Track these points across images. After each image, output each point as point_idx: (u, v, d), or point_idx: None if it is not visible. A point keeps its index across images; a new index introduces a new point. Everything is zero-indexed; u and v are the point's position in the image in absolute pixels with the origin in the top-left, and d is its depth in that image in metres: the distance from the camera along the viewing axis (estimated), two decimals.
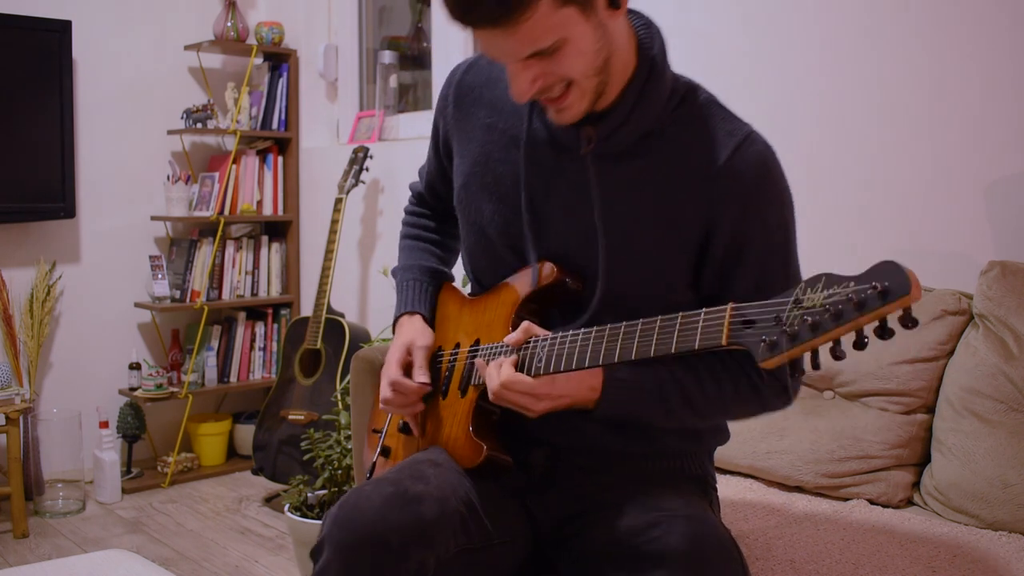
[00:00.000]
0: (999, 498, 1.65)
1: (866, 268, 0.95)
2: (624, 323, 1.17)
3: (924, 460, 1.84)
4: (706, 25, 2.51)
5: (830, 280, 0.96)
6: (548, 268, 1.33)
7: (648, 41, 1.29)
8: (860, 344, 0.94)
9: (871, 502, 1.80)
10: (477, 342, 1.42)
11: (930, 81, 2.09)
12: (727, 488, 1.86)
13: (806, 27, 2.32)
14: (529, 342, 1.29)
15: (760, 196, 1.28)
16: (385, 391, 1.45)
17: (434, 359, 1.49)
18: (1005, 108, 1.98)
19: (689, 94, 1.32)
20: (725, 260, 1.29)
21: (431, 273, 1.58)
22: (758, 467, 1.94)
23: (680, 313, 1.11)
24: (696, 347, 1.07)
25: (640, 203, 1.30)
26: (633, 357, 1.14)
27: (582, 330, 1.22)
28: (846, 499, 1.82)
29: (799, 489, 1.89)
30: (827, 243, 2.26)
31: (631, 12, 1.32)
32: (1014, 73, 1.97)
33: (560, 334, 1.24)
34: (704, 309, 1.08)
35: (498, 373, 1.26)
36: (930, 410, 1.84)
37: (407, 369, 1.45)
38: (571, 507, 1.36)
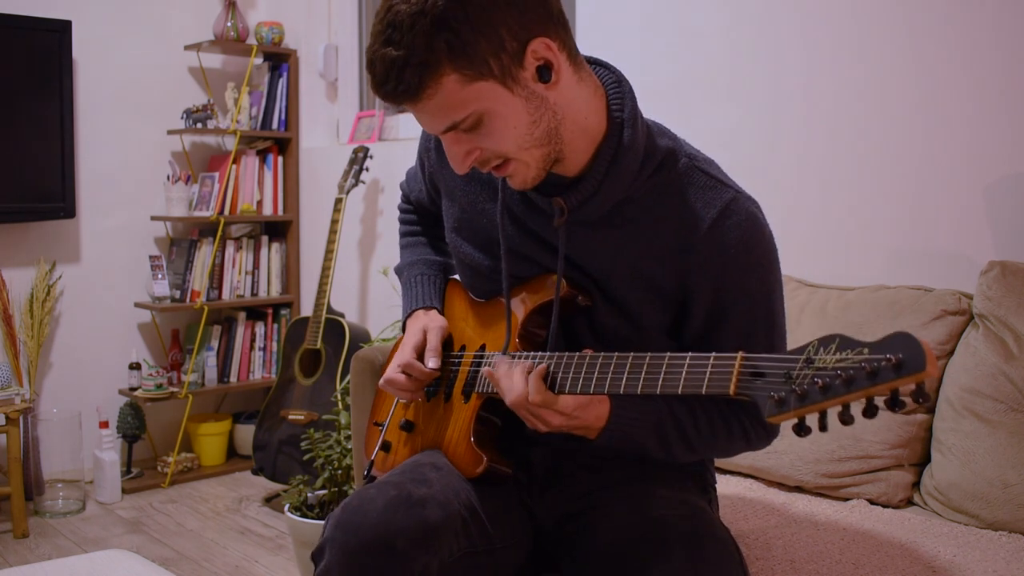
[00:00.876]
0: (999, 498, 1.65)
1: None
2: (631, 355, 1.14)
3: (924, 460, 1.84)
4: (701, 24, 2.51)
5: (844, 342, 0.94)
6: (561, 284, 1.30)
7: (618, 103, 1.24)
8: (870, 412, 0.91)
9: (871, 502, 1.80)
10: (483, 348, 1.41)
11: (930, 80, 2.09)
12: (727, 488, 1.86)
13: (805, 27, 2.32)
14: (530, 357, 1.27)
15: (740, 266, 1.24)
16: (392, 371, 1.42)
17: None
18: (1005, 108, 1.98)
19: (668, 159, 1.27)
20: (706, 324, 1.27)
21: (438, 266, 1.59)
22: (758, 467, 1.94)
23: (689, 354, 1.08)
24: (703, 392, 1.05)
25: (616, 267, 1.28)
26: (638, 392, 1.12)
27: (588, 354, 1.19)
28: (846, 499, 1.82)
29: (799, 489, 1.89)
30: (826, 243, 2.26)
31: (600, 65, 1.29)
32: (1014, 72, 1.97)
33: (564, 355, 1.22)
34: (714, 354, 1.06)
35: (525, 384, 1.21)
36: (930, 410, 1.84)
37: (421, 354, 1.44)
38: (572, 506, 1.36)
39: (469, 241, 1.42)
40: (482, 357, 1.39)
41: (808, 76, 2.32)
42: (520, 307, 1.35)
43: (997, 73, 1.99)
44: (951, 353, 1.83)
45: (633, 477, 1.36)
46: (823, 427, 0.95)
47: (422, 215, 1.65)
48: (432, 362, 1.41)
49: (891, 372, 0.88)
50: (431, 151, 1.47)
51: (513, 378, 1.22)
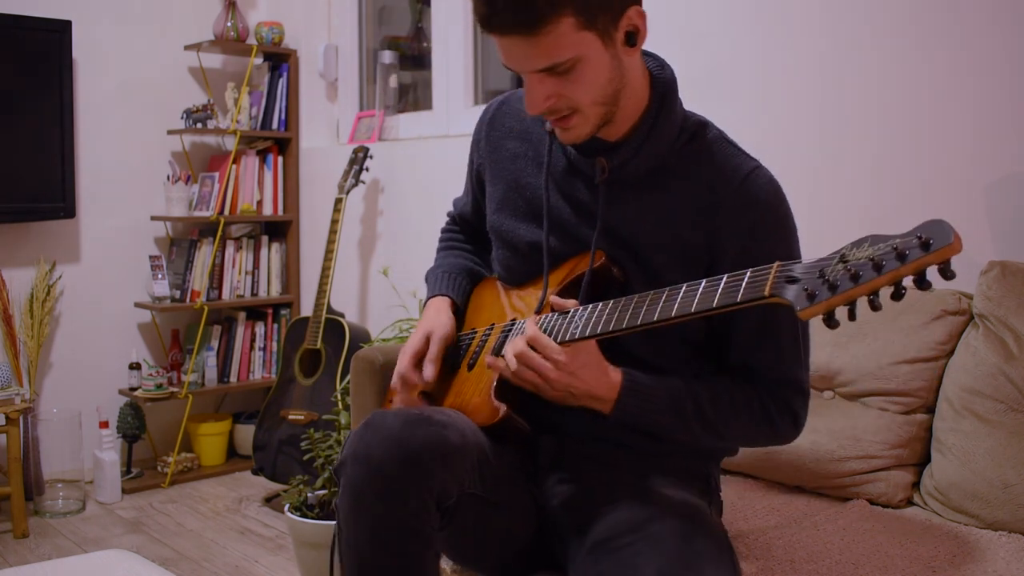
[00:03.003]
0: (999, 498, 1.65)
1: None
2: (666, 288, 1.19)
3: (924, 460, 1.84)
4: (700, 24, 2.51)
5: (875, 239, 1.00)
6: (596, 254, 1.36)
7: (661, 80, 1.35)
8: (898, 295, 0.96)
9: (871, 502, 1.80)
10: (513, 321, 1.44)
11: (930, 80, 2.09)
12: (727, 488, 1.86)
13: (805, 26, 2.32)
14: (563, 315, 1.30)
15: (766, 224, 1.32)
16: (394, 379, 1.50)
17: (464, 338, 1.52)
18: (1005, 108, 1.98)
19: (699, 131, 1.37)
20: None
21: (466, 270, 1.63)
22: (758, 467, 1.94)
23: (726, 274, 1.13)
24: (739, 299, 1.09)
25: (647, 229, 1.34)
26: (673, 314, 1.15)
27: (623, 298, 1.23)
28: (846, 499, 1.82)
29: (799, 489, 1.89)
30: (826, 243, 2.26)
31: (646, 53, 1.38)
32: (1014, 72, 1.97)
33: (599, 303, 1.26)
34: (750, 268, 1.11)
35: (522, 338, 1.28)
36: (930, 410, 1.84)
37: (421, 359, 1.48)
38: (574, 499, 1.37)
39: (512, 216, 1.47)
40: (512, 326, 1.42)
41: (808, 76, 2.31)
42: (555, 280, 1.40)
43: (998, 72, 1.99)
44: (951, 353, 1.83)
45: (636, 473, 1.37)
46: (852, 316, 1.00)
47: (464, 231, 1.72)
48: (428, 370, 1.45)
49: (919, 250, 0.95)
50: (481, 140, 1.54)
51: (514, 341, 1.29)
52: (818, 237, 2.27)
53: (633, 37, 1.26)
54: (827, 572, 1.45)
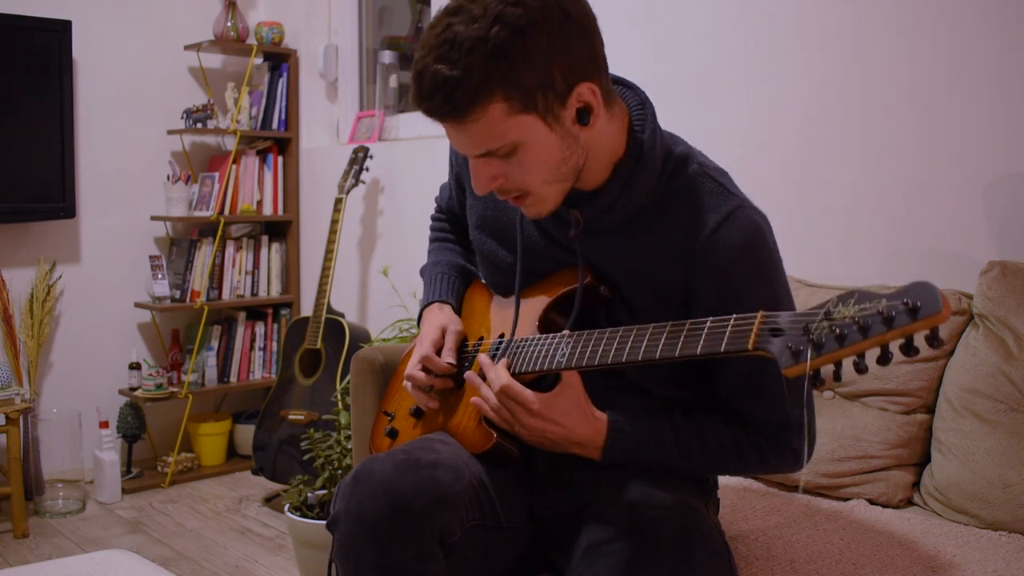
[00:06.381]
0: (999, 498, 1.65)
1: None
2: (651, 324, 1.17)
3: (924, 460, 1.84)
4: (701, 24, 2.51)
5: (862, 296, 0.96)
6: (583, 272, 1.33)
7: (640, 125, 1.28)
8: (884, 359, 0.93)
9: (871, 502, 1.80)
10: (501, 336, 1.43)
11: (930, 80, 2.09)
12: (727, 488, 1.86)
13: (804, 27, 2.32)
14: (550, 338, 1.29)
15: (742, 271, 1.26)
16: (412, 367, 1.45)
17: (459, 351, 1.50)
18: (1005, 107, 1.98)
19: (680, 165, 1.31)
20: None
21: (459, 269, 1.62)
22: None
23: (710, 318, 1.11)
24: (722, 350, 1.07)
25: (628, 269, 1.31)
26: (657, 357, 1.13)
27: (608, 329, 1.22)
28: (846, 499, 1.82)
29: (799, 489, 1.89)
30: (826, 243, 2.26)
31: (625, 86, 1.32)
32: (1014, 72, 1.97)
33: (584, 332, 1.25)
34: (734, 315, 1.08)
35: (498, 373, 1.27)
36: (930, 410, 1.84)
37: (439, 351, 1.47)
38: (570, 505, 1.36)
39: (492, 238, 1.45)
40: (500, 344, 1.41)
41: (808, 76, 2.31)
42: (541, 298, 1.38)
43: (998, 72, 1.99)
44: (951, 353, 1.83)
45: (632, 478, 1.36)
46: (837, 377, 0.97)
47: (452, 222, 1.69)
48: (449, 356, 1.44)
49: (906, 316, 0.91)
50: (459, 153, 1.50)
51: (492, 371, 1.28)
52: (816, 238, 2.27)
53: (585, 115, 1.19)
54: (827, 572, 1.44)
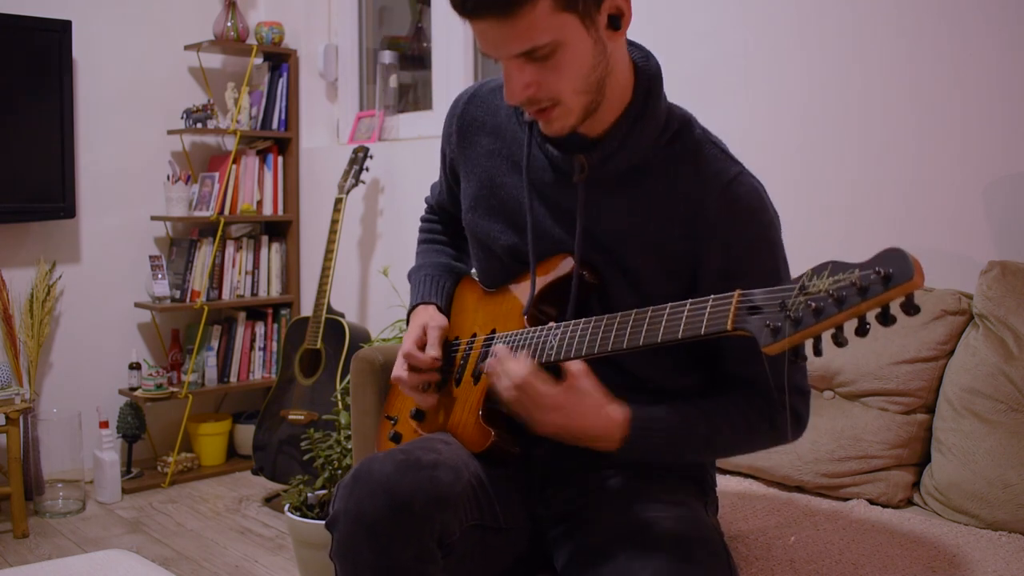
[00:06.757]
0: (999, 498, 1.65)
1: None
2: (634, 311, 1.18)
3: (924, 460, 1.84)
4: (701, 24, 2.51)
5: (836, 267, 0.97)
6: (566, 261, 1.33)
7: (646, 72, 1.30)
8: (862, 331, 0.94)
9: (871, 502, 1.80)
10: (493, 331, 1.43)
11: (930, 80, 2.09)
12: (727, 488, 1.86)
13: (804, 26, 2.32)
14: (539, 331, 1.29)
15: (749, 232, 1.27)
16: (398, 368, 1.45)
17: (450, 347, 1.50)
18: (1005, 107, 1.98)
19: (683, 129, 1.32)
20: (714, 289, 1.28)
21: (446, 268, 1.61)
22: (758, 467, 1.94)
23: (689, 300, 1.12)
24: (703, 332, 1.08)
25: (630, 233, 1.31)
26: (640, 344, 1.14)
27: (593, 318, 1.22)
28: (846, 499, 1.82)
29: (799, 489, 1.89)
30: (826, 243, 2.26)
31: (631, 44, 1.33)
32: (1014, 72, 1.97)
33: (571, 322, 1.25)
34: (712, 296, 1.09)
35: (515, 367, 1.25)
36: (930, 410, 1.84)
37: (422, 348, 1.46)
38: (569, 505, 1.36)
39: (487, 216, 1.44)
40: (492, 340, 1.40)
41: (808, 76, 2.31)
42: (529, 288, 1.37)
43: (998, 72, 1.99)
44: (951, 353, 1.83)
45: (632, 479, 1.36)
46: (818, 352, 0.98)
47: (443, 220, 1.69)
48: (432, 350, 1.43)
49: (880, 285, 0.92)
50: (452, 135, 1.50)
51: (504, 366, 1.27)
52: (816, 238, 2.27)
53: (617, 20, 1.21)
54: (827, 572, 1.44)
